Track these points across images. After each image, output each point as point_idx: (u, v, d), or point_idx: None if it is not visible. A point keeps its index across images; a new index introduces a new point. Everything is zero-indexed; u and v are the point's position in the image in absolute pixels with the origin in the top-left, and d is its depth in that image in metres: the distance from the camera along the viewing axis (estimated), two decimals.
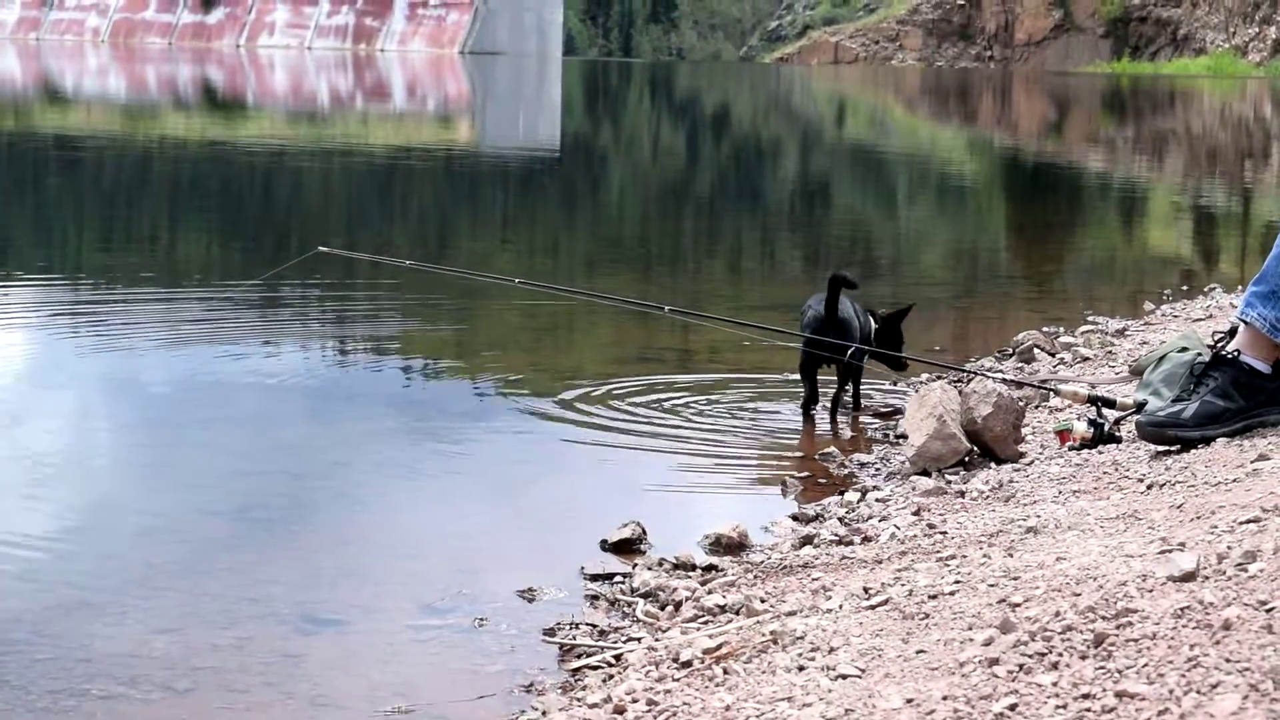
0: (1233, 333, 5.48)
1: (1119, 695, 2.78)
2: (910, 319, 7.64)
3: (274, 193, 19.84)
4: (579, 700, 3.79)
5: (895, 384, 7.97)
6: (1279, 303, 5.27)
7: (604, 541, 5.29)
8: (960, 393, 6.31)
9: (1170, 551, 3.61)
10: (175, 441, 6.77)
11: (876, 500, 5.72)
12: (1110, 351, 8.42)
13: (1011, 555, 4.11)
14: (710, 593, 4.55)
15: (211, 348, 8.68)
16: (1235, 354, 5.37)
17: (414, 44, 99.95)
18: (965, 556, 4.25)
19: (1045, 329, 9.26)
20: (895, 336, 7.54)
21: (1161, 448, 5.36)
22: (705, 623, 4.26)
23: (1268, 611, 3.01)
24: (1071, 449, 5.87)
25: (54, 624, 4.45)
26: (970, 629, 3.40)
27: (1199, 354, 5.67)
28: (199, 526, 5.49)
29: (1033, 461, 5.92)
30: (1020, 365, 8.31)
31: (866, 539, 5.11)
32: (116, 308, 9.95)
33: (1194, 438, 5.32)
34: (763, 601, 4.31)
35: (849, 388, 7.42)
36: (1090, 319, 9.97)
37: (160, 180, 20.91)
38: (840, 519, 5.51)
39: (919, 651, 3.37)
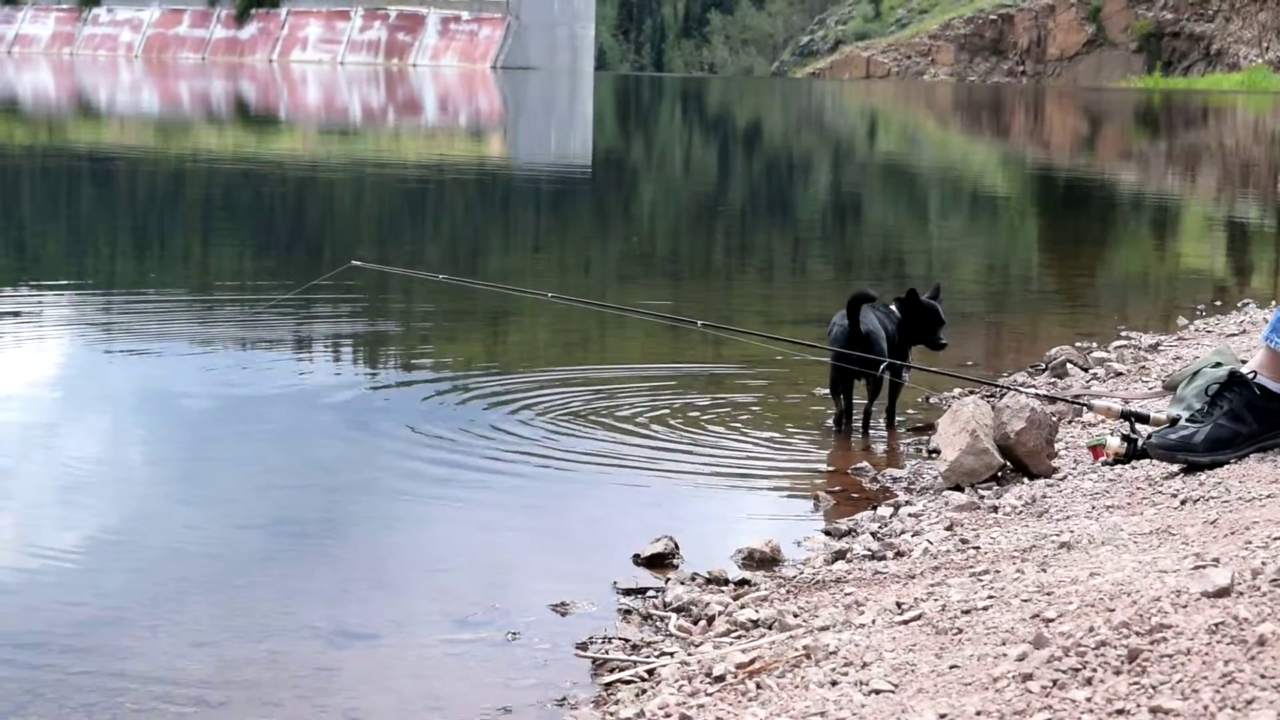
0: None
1: (1153, 711, 2.78)
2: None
3: (307, 207, 19.89)
4: (611, 714, 3.80)
5: (927, 400, 7.97)
6: None
7: (636, 556, 5.29)
8: (993, 408, 6.30)
9: (1204, 567, 3.60)
10: (208, 455, 6.79)
11: (909, 515, 5.72)
12: (1144, 367, 8.40)
13: (1045, 570, 4.10)
14: (743, 607, 4.55)
15: (245, 361, 8.70)
16: (1252, 375, 5.34)
17: (446, 59, 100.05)
18: (998, 571, 4.24)
19: (1078, 344, 9.25)
20: (923, 319, 7.53)
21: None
22: (738, 637, 4.26)
23: None
24: (1105, 464, 5.86)
25: (88, 638, 4.46)
26: (1004, 644, 3.40)
27: (1232, 370, 5.65)
28: (232, 540, 5.50)
29: (1066, 477, 5.90)
30: (1053, 380, 8.30)
31: (899, 554, 5.10)
32: (150, 321, 9.98)
33: (1204, 463, 5.29)
34: (795, 616, 4.31)
35: (883, 401, 7.43)
36: (1123, 334, 9.95)
37: (194, 194, 20.97)
38: (873, 534, 5.51)
39: (952, 667, 3.36)
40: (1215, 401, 5.38)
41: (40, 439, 6.93)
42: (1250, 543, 3.82)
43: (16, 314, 10.14)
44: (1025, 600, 3.74)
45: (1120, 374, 8.26)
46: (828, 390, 7.40)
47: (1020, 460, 6.11)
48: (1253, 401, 5.28)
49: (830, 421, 7.35)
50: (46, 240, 15.43)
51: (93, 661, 4.27)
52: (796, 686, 3.57)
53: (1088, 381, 8.20)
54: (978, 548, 4.85)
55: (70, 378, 8.41)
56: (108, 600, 4.81)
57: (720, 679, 3.76)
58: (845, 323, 7.11)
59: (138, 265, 13.75)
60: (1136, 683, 2.93)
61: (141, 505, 6.01)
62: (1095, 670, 3.04)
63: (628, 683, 4.06)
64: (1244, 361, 5.70)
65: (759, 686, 3.63)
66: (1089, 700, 2.91)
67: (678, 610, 4.69)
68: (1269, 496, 4.51)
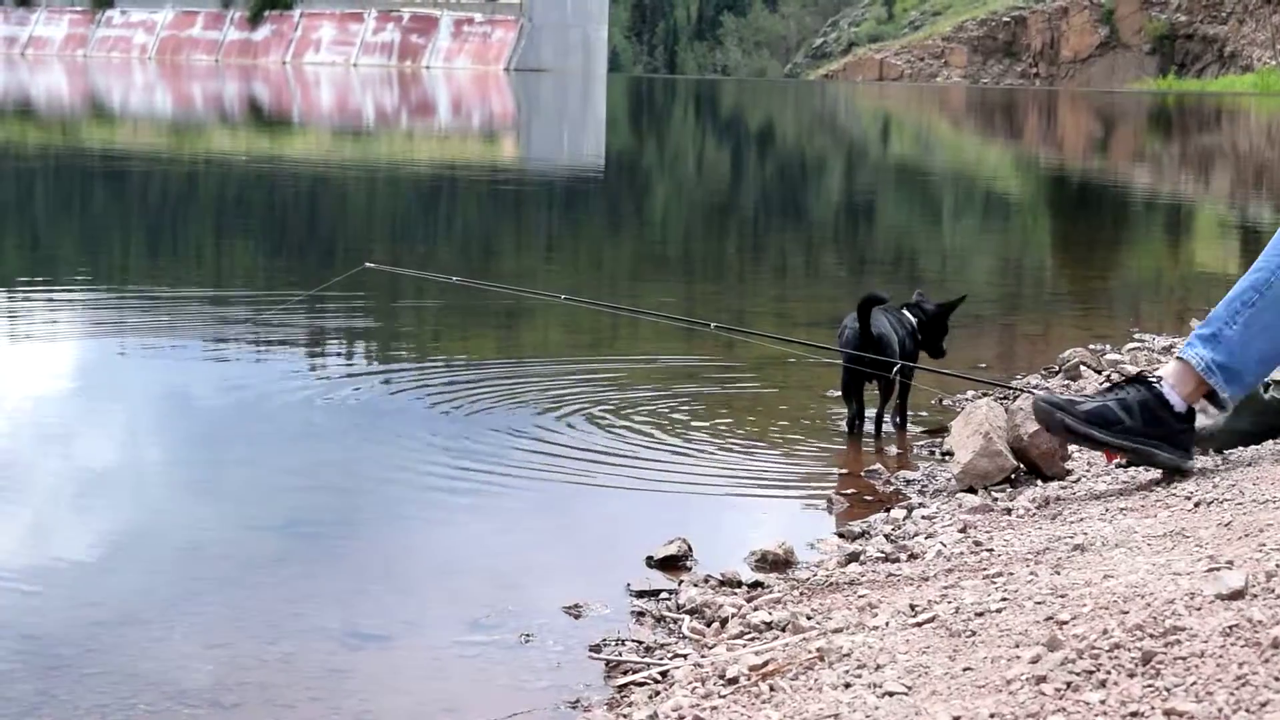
0: None
1: (1167, 714, 2.77)
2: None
3: (320, 208, 19.90)
4: (625, 717, 3.79)
5: (941, 402, 7.96)
6: (1218, 345, 5.19)
7: (649, 558, 5.29)
8: (1006, 410, 6.29)
9: (1218, 569, 3.59)
10: (220, 456, 6.80)
11: (923, 517, 5.71)
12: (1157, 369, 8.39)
13: (1058, 573, 4.10)
14: (756, 609, 4.54)
15: (257, 362, 8.71)
16: (1157, 379, 5.33)
17: (459, 61, 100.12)
18: (1012, 574, 4.24)
19: (1091, 346, 9.24)
20: (940, 330, 7.57)
21: (1196, 461, 5.35)
22: (751, 639, 4.25)
23: None
24: (1119, 466, 5.84)
25: (101, 638, 4.46)
26: (1017, 647, 3.39)
27: (1141, 371, 5.64)
28: (244, 541, 5.51)
29: (1079, 479, 5.90)
30: (1067, 382, 8.29)
31: (913, 556, 5.10)
32: (162, 322, 10.00)
33: (1076, 430, 5.31)
34: (809, 618, 4.30)
35: (896, 404, 7.43)
36: (1137, 336, 9.95)
37: (207, 195, 21.00)
38: (886, 536, 5.50)
39: (966, 669, 3.36)
40: (1116, 388, 5.39)
41: (52, 439, 6.94)
42: (1265, 545, 3.81)
43: (30, 312, 10.16)
44: (1039, 602, 3.73)
45: None
46: (840, 393, 7.39)
47: (1034, 462, 6.10)
48: (1146, 402, 5.26)
49: (843, 424, 7.34)
50: (60, 240, 15.45)
51: (105, 662, 4.27)
52: (810, 688, 3.56)
53: (1101, 384, 8.19)
54: (991, 550, 4.84)
55: (82, 377, 8.42)
56: (120, 601, 4.81)
57: (733, 681, 3.75)
58: (857, 325, 7.11)
59: (150, 266, 13.76)
60: (1150, 685, 2.92)
61: (154, 506, 6.02)
62: (1109, 673, 3.03)
63: (641, 685, 4.06)
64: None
65: (772, 689, 3.63)
66: (1103, 703, 2.90)
67: (691, 612, 4.69)
68: None
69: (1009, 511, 5.54)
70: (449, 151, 32.07)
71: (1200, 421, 5.53)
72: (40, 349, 8.98)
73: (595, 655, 4.37)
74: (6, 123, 36.98)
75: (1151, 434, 5.28)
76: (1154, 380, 5.32)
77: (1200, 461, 5.40)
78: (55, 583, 4.96)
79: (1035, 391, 5.56)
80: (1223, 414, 5.39)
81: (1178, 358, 5.30)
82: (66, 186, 21.44)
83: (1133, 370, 8.27)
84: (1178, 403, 5.26)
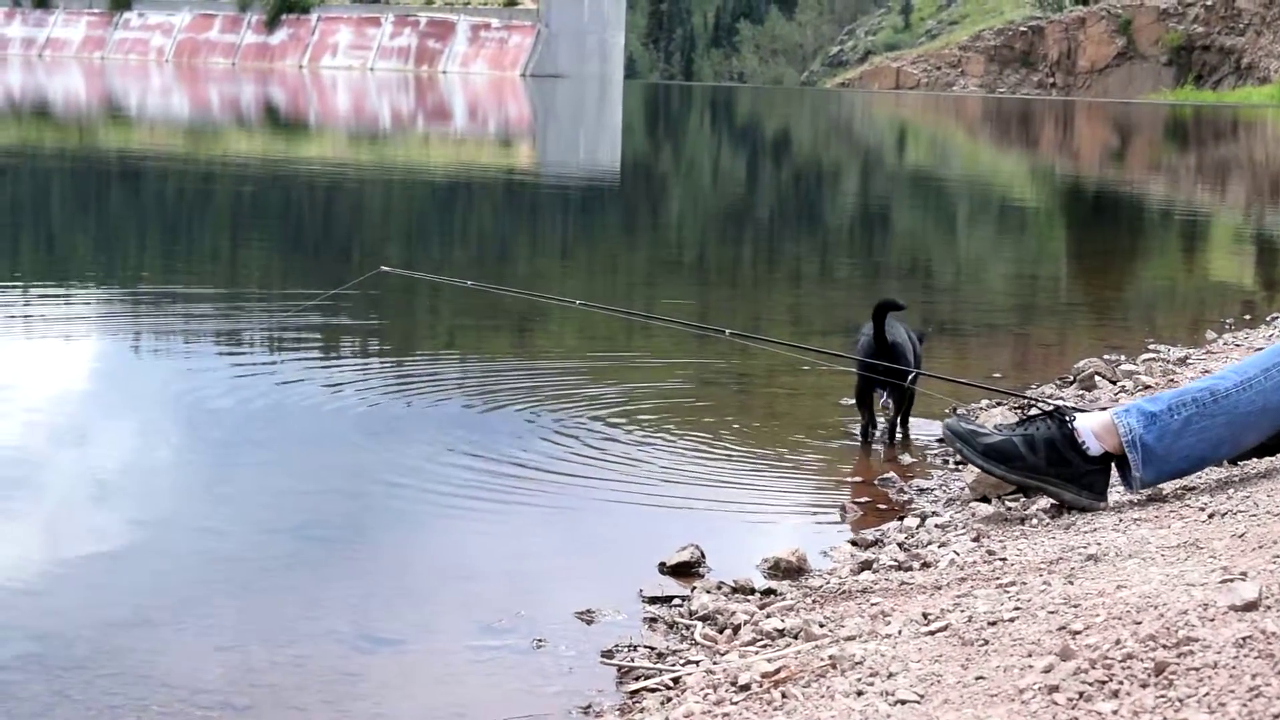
0: None
1: None
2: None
3: (336, 212, 19.91)
4: None
5: (955, 411, 7.95)
6: (1152, 426, 5.13)
7: (662, 564, 5.29)
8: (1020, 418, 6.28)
9: (1232, 580, 3.59)
10: (234, 460, 6.79)
11: (936, 526, 5.71)
12: (1172, 380, 8.38)
13: (1072, 582, 4.09)
14: (769, 616, 4.54)
15: (272, 365, 8.71)
16: (1072, 419, 5.29)
17: (476, 66, 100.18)
18: (1025, 583, 4.23)
19: (1106, 356, 9.22)
20: None
21: (1211, 472, 5.35)
22: (764, 646, 4.25)
23: None
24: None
25: (114, 640, 4.46)
26: (1030, 656, 3.39)
27: (1059, 405, 5.62)
28: (258, 545, 5.50)
29: None
30: (1081, 393, 8.27)
31: (926, 565, 5.09)
32: (177, 325, 10.00)
33: (975, 462, 5.34)
34: (821, 626, 4.30)
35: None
36: (1152, 347, 9.93)
37: (222, 199, 21.00)
38: (899, 544, 5.49)
39: (978, 678, 3.35)
40: (1027, 422, 5.36)
41: (66, 442, 6.94)
42: (1279, 557, 3.80)
43: (44, 316, 10.17)
44: (1052, 612, 3.73)
45: (1149, 387, 8.24)
46: (854, 401, 7.39)
47: None
48: (1055, 440, 5.23)
49: (857, 431, 7.34)
50: (75, 243, 15.47)
51: (118, 664, 4.27)
52: (822, 696, 3.56)
53: (1116, 394, 8.17)
54: (1004, 559, 4.83)
55: (96, 381, 8.43)
56: (133, 603, 4.81)
57: (746, 688, 3.75)
58: (872, 333, 7.10)
59: (165, 269, 13.76)
60: (1163, 696, 2.92)
61: (167, 508, 6.02)
62: (1122, 683, 3.03)
63: (653, 691, 4.06)
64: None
65: (784, 696, 3.62)
66: (1115, 713, 2.90)
67: (703, 619, 4.69)
68: None
69: (1022, 521, 5.53)
70: (465, 156, 32.08)
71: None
72: (55, 349, 8.99)
73: (607, 661, 4.37)
74: (25, 124, 37.04)
75: (1055, 473, 5.27)
76: (1068, 419, 5.29)
77: (1114, 500, 5.39)
78: (68, 584, 4.97)
79: (950, 419, 5.54)
80: (1128, 491, 5.35)
81: (1112, 415, 5.27)
82: (84, 188, 21.47)
83: (1150, 381, 8.26)
84: (1094, 446, 5.23)
